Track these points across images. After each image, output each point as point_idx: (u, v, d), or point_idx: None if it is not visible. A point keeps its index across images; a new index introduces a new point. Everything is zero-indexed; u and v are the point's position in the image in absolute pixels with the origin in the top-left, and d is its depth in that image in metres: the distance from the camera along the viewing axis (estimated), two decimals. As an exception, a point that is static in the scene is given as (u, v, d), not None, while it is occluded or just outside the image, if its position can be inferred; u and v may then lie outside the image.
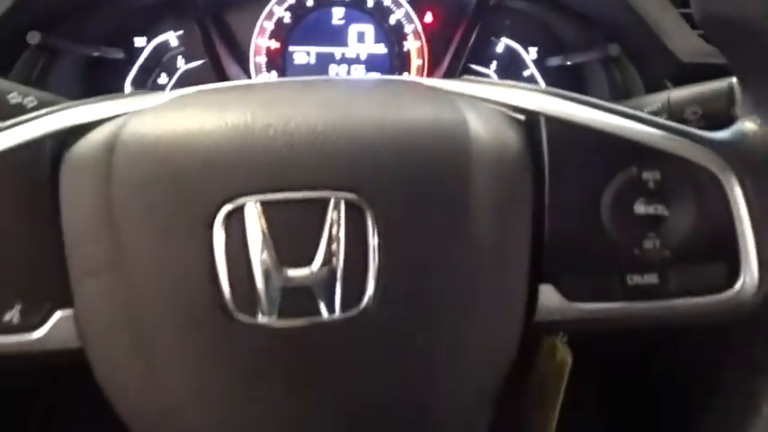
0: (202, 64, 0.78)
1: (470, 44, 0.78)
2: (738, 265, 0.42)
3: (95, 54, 0.74)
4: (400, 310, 0.38)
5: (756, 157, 0.42)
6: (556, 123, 0.41)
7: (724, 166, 0.41)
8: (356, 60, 0.80)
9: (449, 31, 0.80)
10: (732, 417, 0.54)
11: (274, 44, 0.80)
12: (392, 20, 0.80)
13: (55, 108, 0.41)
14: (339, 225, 0.36)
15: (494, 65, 0.80)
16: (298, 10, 0.79)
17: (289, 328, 0.36)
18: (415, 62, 0.81)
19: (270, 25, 0.80)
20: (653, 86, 0.66)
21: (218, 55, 0.77)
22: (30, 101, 0.49)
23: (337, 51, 0.80)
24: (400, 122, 0.38)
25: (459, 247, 0.38)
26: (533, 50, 0.80)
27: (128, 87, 0.78)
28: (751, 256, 0.42)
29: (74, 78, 0.73)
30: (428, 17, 0.80)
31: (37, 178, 0.38)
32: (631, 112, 0.43)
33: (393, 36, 0.80)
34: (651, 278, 0.42)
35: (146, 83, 0.78)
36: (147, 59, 0.78)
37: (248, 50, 0.80)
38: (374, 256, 0.36)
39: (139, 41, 0.77)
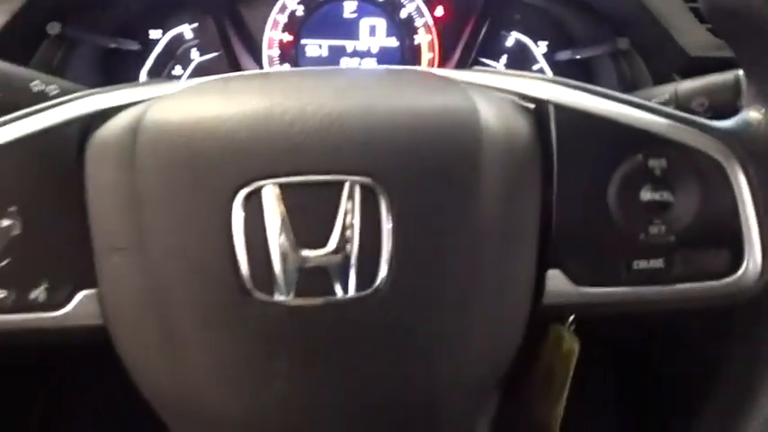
0: (216, 56, 0.79)
1: (480, 38, 0.79)
2: (742, 251, 0.43)
3: (112, 45, 0.75)
4: (411, 292, 0.39)
5: (760, 146, 0.43)
6: (564, 112, 0.43)
7: (729, 155, 0.42)
8: (367, 53, 0.81)
9: (459, 24, 0.81)
10: (732, 403, 0.55)
11: (287, 37, 0.81)
12: (403, 13, 0.81)
13: (80, 94, 0.42)
14: (354, 208, 0.37)
15: (503, 59, 0.81)
16: (310, 3, 0.80)
17: (304, 307, 0.38)
18: (426, 55, 0.82)
19: (283, 18, 0.81)
20: (661, 80, 0.66)
21: (233, 47, 0.78)
22: (52, 89, 0.51)
23: (349, 44, 0.81)
24: (413, 110, 0.39)
25: (469, 231, 0.39)
26: (543, 44, 0.80)
27: (143, 79, 0.79)
28: (754, 243, 0.43)
29: (91, 69, 0.75)
30: (439, 11, 0.81)
31: (63, 161, 0.40)
32: (638, 101, 0.44)
33: (404, 29, 0.81)
34: (656, 263, 0.43)
35: (160, 74, 0.79)
36: (162, 51, 0.79)
37: (261, 43, 0.81)
38: (387, 239, 0.38)
39: (155, 34, 0.79)
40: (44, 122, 0.40)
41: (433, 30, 0.81)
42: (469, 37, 0.80)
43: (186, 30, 0.79)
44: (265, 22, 0.80)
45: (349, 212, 0.37)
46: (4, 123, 0.40)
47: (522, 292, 0.43)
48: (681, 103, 0.53)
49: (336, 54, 0.81)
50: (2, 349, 0.45)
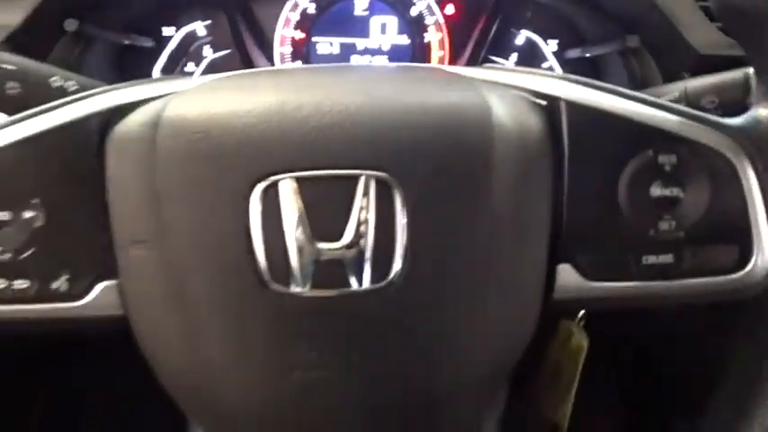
0: (228, 53, 0.80)
1: (491, 36, 0.80)
2: (751, 246, 0.43)
3: (126, 42, 0.76)
4: (425, 285, 0.40)
5: None
6: (576, 108, 0.43)
7: (738, 151, 0.43)
8: (378, 51, 0.82)
9: (470, 22, 0.81)
10: (738, 400, 0.56)
11: (299, 34, 0.82)
12: (414, 11, 0.81)
13: (100, 90, 0.43)
14: (369, 202, 0.38)
15: (513, 57, 0.82)
16: (322, 1, 0.81)
17: (320, 298, 0.38)
18: (436, 53, 0.82)
19: (294, 16, 0.81)
20: (670, 78, 0.67)
21: (245, 44, 0.79)
22: (71, 84, 0.52)
23: (360, 42, 0.82)
24: (427, 106, 0.40)
25: (481, 225, 0.40)
26: (553, 42, 0.81)
27: (156, 75, 0.80)
28: (763, 238, 0.43)
29: (106, 65, 0.76)
30: (449, 9, 0.82)
31: (84, 155, 0.41)
32: (649, 98, 0.44)
33: (415, 27, 0.82)
34: (666, 258, 0.43)
35: (173, 71, 0.80)
36: (175, 48, 0.80)
37: (273, 40, 0.82)
38: (402, 233, 0.38)
39: (168, 31, 0.79)
40: (65, 117, 0.41)
41: (444, 28, 0.82)
42: (480, 35, 0.80)
43: (199, 27, 0.80)
44: (277, 20, 0.81)
45: (364, 206, 0.38)
46: (27, 118, 0.41)
47: (532, 287, 0.43)
48: (691, 100, 0.54)
49: (347, 51, 0.82)
50: (19, 338, 0.46)
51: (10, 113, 0.44)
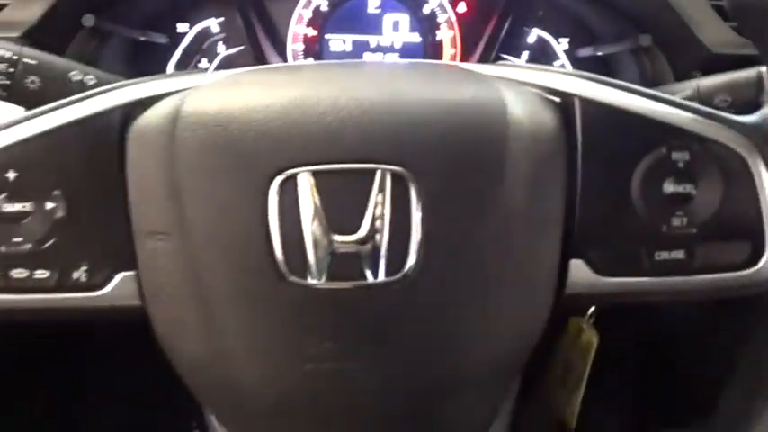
0: (241, 50, 0.81)
1: (502, 34, 0.80)
2: (763, 243, 0.44)
3: (142, 38, 0.77)
4: (439, 278, 0.40)
5: None
6: (590, 105, 0.44)
7: (751, 148, 0.43)
8: (390, 49, 0.82)
9: (481, 21, 0.81)
10: (749, 398, 0.56)
11: (311, 32, 0.82)
12: (426, 9, 0.82)
13: (120, 84, 0.44)
14: (384, 196, 0.39)
15: (525, 55, 0.82)
16: (334, -1, 0.82)
17: (335, 290, 0.39)
18: (448, 51, 0.83)
19: (307, 13, 0.82)
20: (682, 77, 0.67)
21: (258, 41, 0.79)
22: (89, 79, 0.52)
23: (372, 39, 0.82)
24: (443, 101, 0.40)
25: (495, 220, 0.41)
26: (564, 41, 0.81)
27: (170, 71, 0.80)
28: None
29: (121, 60, 0.76)
30: (461, 7, 0.82)
31: (105, 147, 0.42)
32: (662, 95, 0.45)
33: (427, 25, 0.82)
34: (678, 254, 0.44)
35: (187, 67, 0.81)
36: (189, 45, 0.80)
37: (286, 38, 0.82)
38: (417, 226, 0.39)
39: (182, 27, 0.80)
40: (87, 110, 0.42)
41: (456, 26, 0.82)
42: (491, 33, 0.81)
43: (213, 24, 0.80)
44: (290, 17, 0.82)
45: (380, 200, 0.39)
46: (50, 111, 0.42)
47: (545, 281, 0.44)
48: (703, 99, 0.54)
49: (360, 49, 0.82)
50: (42, 327, 0.47)
51: (29, 107, 0.45)
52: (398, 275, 0.39)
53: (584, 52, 0.79)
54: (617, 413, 0.81)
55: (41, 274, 0.42)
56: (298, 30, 0.82)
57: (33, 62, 0.49)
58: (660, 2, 0.66)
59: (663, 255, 0.44)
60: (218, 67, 0.81)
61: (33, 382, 0.70)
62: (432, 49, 0.83)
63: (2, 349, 0.64)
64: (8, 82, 0.48)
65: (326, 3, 0.82)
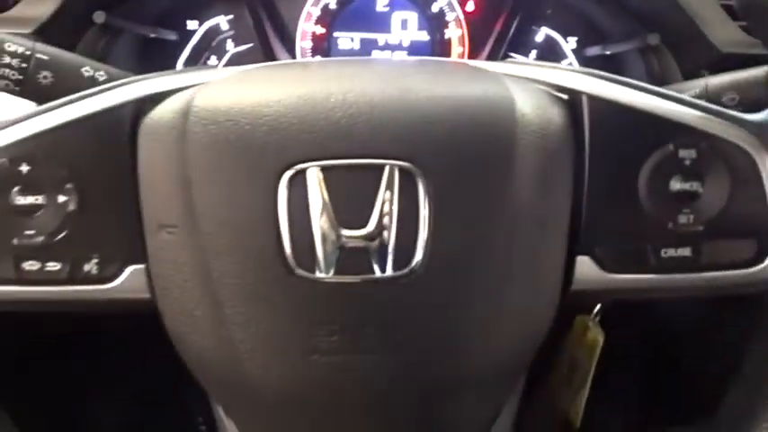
0: (250, 47, 0.81)
1: (511, 33, 0.80)
2: None
3: (152, 35, 0.77)
4: (445, 274, 0.40)
5: None
6: (597, 102, 0.44)
7: (758, 146, 0.43)
8: (399, 47, 0.83)
9: (490, 19, 0.82)
10: (754, 396, 0.56)
11: (320, 29, 0.82)
12: (435, 8, 0.82)
13: (131, 79, 0.45)
14: (393, 191, 0.39)
15: (533, 54, 0.82)
16: (343, -4, 0.82)
17: (343, 284, 0.39)
18: (456, 50, 0.83)
19: (316, 11, 0.82)
20: (691, 76, 0.67)
21: (267, 39, 0.80)
22: (100, 74, 0.53)
23: (381, 37, 0.83)
24: (452, 97, 0.41)
25: (502, 216, 0.41)
26: (572, 40, 0.81)
27: (180, 68, 0.81)
28: None
29: (131, 57, 0.77)
30: (470, 5, 0.82)
31: (117, 142, 0.42)
32: (669, 93, 0.45)
33: (435, 23, 0.82)
34: (684, 251, 0.44)
35: (196, 64, 0.82)
36: (198, 42, 0.81)
37: (295, 35, 0.83)
38: (424, 222, 0.39)
39: (192, 24, 0.81)
40: (99, 105, 0.42)
41: (464, 24, 0.82)
42: (500, 32, 0.81)
43: (222, 21, 0.81)
44: (299, 15, 0.82)
45: (388, 195, 0.39)
46: (62, 105, 0.42)
47: (551, 278, 0.44)
48: (711, 97, 0.54)
49: (368, 47, 0.83)
50: (50, 321, 0.47)
51: (41, 102, 0.45)
52: (406, 270, 0.39)
53: (593, 51, 0.79)
54: (622, 412, 0.81)
55: (53, 266, 0.42)
56: (306, 27, 0.82)
57: (46, 57, 0.49)
58: (669, 1, 0.66)
59: (669, 252, 0.44)
60: (227, 65, 0.81)
61: (39, 377, 0.71)
62: (440, 48, 0.83)
63: (8, 343, 0.64)
64: (21, 77, 0.48)
65: (335, 1, 0.82)
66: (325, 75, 0.43)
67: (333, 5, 0.82)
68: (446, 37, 0.83)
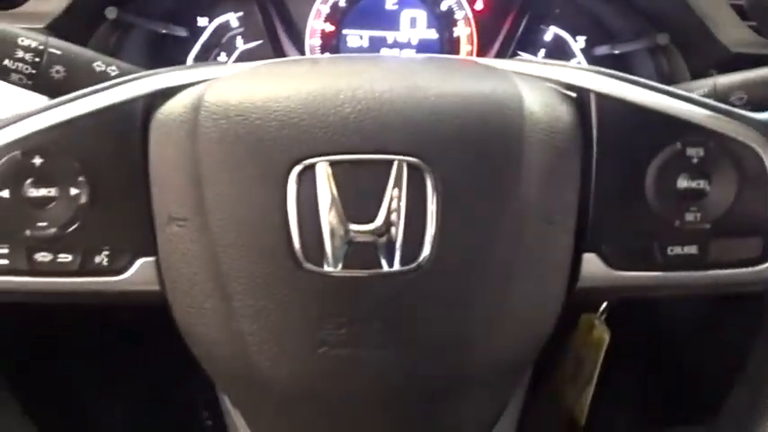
0: (260, 44, 0.81)
1: (519, 32, 0.80)
2: None
3: (163, 31, 0.78)
4: (452, 269, 0.41)
5: None
6: (605, 100, 0.44)
7: (766, 145, 0.43)
8: (407, 45, 0.83)
9: (498, 18, 0.82)
10: (758, 395, 0.56)
11: (329, 27, 0.83)
12: (444, 6, 0.82)
13: (143, 74, 0.45)
14: (401, 186, 0.39)
15: (542, 53, 0.82)
16: (352, -6, 0.82)
17: (350, 278, 0.40)
18: (465, 48, 0.83)
19: (325, 9, 0.83)
20: (699, 76, 0.67)
21: (277, 36, 0.80)
22: (112, 69, 0.53)
23: (389, 35, 0.83)
24: (461, 94, 0.41)
25: (510, 212, 0.41)
26: (581, 39, 0.81)
27: (190, 64, 0.82)
28: None
29: (142, 52, 0.78)
30: (479, 4, 0.82)
31: (128, 135, 0.43)
32: (677, 91, 0.45)
33: (444, 22, 0.82)
34: (691, 249, 0.44)
35: (206, 60, 0.82)
36: (208, 38, 0.81)
37: (304, 33, 0.83)
38: (432, 217, 0.39)
39: (202, 21, 0.81)
40: (111, 99, 0.43)
41: (473, 23, 0.82)
42: (508, 31, 0.81)
43: (232, 18, 0.81)
44: (309, 12, 0.82)
45: (396, 191, 0.39)
46: (74, 99, 0.43)
47: (558, 275, 0.44)
48: (720, 96, 0.54)
49: (377, 45, 0.83)
50: (59, 313, 0.48)
51: (53, 97, 0.46)
52: (413, 265, 0.40)
53: (601, 50, 0.79)
54: (627, 410, 0.81)
55: (64, 258, 0.43)
56: (316, 25, 0.83)
57: (59, 52, 0.50)
58: (678, 0, 0.66)
59: (676, 250, 0.44)
60: (237, 62, 0.82)
61: (46, 370, 0.71)
62: (448, 46, 0.83)
63: (18, 336, 0.65)
64: (34, 71, 0.49)
65: (344, -2, 0.82)
66: (334, 71, 0.44)
67: (342, 3, 0.82)
68: (455, 35, 0.83)
